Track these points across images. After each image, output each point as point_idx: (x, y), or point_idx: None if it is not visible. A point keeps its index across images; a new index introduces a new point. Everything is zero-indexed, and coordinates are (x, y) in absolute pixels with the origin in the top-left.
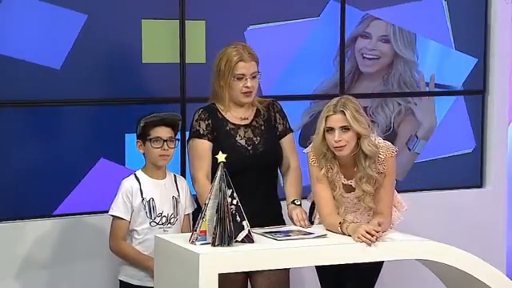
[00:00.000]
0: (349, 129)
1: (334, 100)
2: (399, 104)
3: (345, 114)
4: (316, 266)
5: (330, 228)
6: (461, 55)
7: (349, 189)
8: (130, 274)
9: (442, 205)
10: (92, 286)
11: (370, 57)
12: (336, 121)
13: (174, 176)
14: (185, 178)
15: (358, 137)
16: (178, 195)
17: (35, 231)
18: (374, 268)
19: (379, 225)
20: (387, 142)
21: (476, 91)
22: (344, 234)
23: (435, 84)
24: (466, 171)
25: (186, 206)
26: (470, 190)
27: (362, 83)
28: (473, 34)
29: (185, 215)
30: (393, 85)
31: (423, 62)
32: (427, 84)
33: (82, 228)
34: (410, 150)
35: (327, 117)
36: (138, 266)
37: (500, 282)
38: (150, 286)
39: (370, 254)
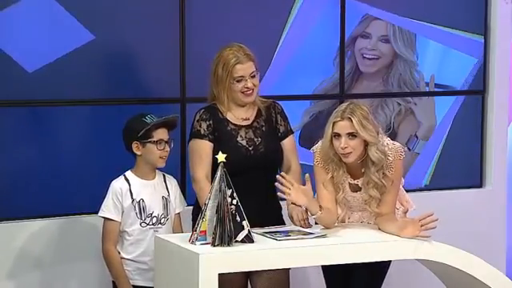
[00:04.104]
0: (356, 136)
1: (343, 105)
2: (399, 104)
3: (352, 121)
4: (322, 267)
5: (327, 224)
6: (461, 55)
7: (355, 188)
8: None
9: (442, 205)
10: (88, 285)
11: (370, 57)
12: (343, 127)
13: (164, 176)
14: (185, 177)
15: (366, 143)
16: (168, 195)
17: (32, 231)
18: (382, 268)
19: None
20: (396, 143)
21: (476, 91)
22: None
23: (435, 84)
24: (466, 171)
25: (177, 205)
26: (470, 190)
27: (362, 83)
28: (473, 34)
29: (175, 214)
30: (393, 85)
31: (423, 61)
32: (427, 84)
33: (78, 228)
34: (410, 150)
35: (334, 123)
36: (115, 280)
37: (500, 282)
38: (141, 285)
39: (369, 254)
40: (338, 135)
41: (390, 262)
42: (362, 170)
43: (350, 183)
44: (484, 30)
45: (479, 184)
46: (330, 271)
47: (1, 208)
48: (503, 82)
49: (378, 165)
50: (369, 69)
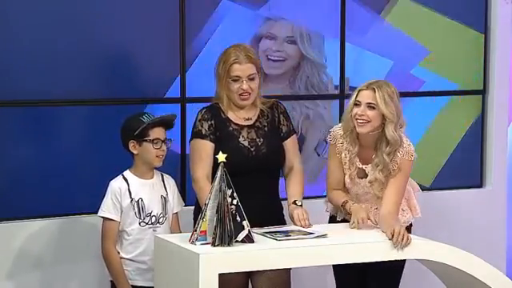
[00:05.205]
0: (375, 108)
1: (374, 79)
2: (307, 107)
3: (375, 92)
4: (334, 268)
5: (333, 203)
6: (375, 57)
7: (361, 174)
8: None
9: (441, 205)
10: (88, 285)
11: (276, 58)
12: (365, 96)
13: (162, 175)
14: (185, 177)
15: (384, 121)
16: (167, 194)
17: (32, 231)
18: (397, 267)
19: (392, 235)
20: (412, 145)
21: (476, 91)
22: (348, 213)
23: (349, 87)
24: (466, 171)
25: (174, 205)
26: (470, 190)
27: (268, 85)
28: (473, 33)
29: (173, 214)
30: (300, 87)
31: (332, 64)
32: (336, 87)
33: (78, 228)
34: (319, 155)
35: (359, 91)
36: (114, 280)
37: (500, 282)
38: (139, 285)
39: (370, 254)
40: (358, 103)
41: (404, 263)
42: (373, 156)
43: (358, 167)
44: (484, 29)
45: (479, 184)
46: (342, 273)
47: (1, 208)
48: (503, 82)
49: (393, 145)
50: (274, 71)
